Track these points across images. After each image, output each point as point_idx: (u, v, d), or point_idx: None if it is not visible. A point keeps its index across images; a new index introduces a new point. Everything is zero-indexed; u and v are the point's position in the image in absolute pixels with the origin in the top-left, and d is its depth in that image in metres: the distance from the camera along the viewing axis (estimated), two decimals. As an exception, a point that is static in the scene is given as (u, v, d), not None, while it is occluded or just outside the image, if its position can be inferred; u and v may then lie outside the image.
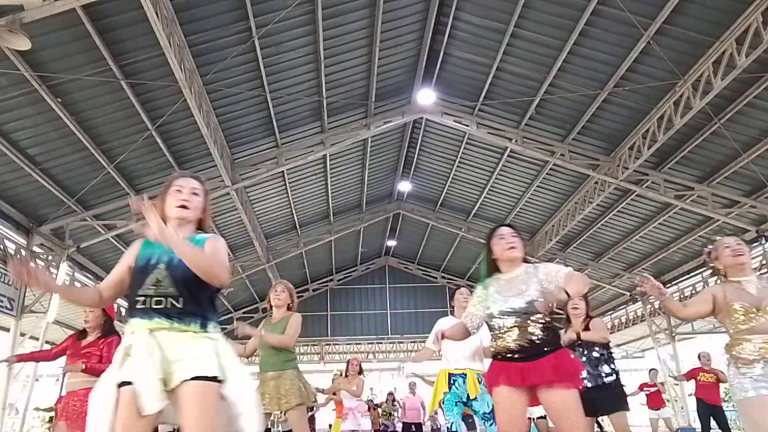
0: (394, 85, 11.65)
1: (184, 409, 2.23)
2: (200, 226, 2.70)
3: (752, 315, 3.17)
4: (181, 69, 7.85)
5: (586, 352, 4.75)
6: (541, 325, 3.04)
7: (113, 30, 7.54)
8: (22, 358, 5.82)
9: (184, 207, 2.61)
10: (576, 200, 13.61)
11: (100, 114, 8.94)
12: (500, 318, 3.13)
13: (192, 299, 2.38)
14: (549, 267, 3.16)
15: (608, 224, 14.58)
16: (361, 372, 8.22)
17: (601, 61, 9.47)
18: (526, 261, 3.28)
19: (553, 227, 15.18)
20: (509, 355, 3.05)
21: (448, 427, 4.82)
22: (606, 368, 4.66)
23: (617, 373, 4.70)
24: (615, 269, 16.99)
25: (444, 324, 5.02)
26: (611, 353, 4.84)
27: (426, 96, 11.53)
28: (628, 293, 17.81)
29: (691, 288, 15.65)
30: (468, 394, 4.77)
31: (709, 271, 14.45)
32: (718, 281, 3.39)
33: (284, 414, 4.53)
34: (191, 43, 8.32)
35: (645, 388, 11.50)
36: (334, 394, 8.67)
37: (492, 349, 3.18)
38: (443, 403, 4.88)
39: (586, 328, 4.75)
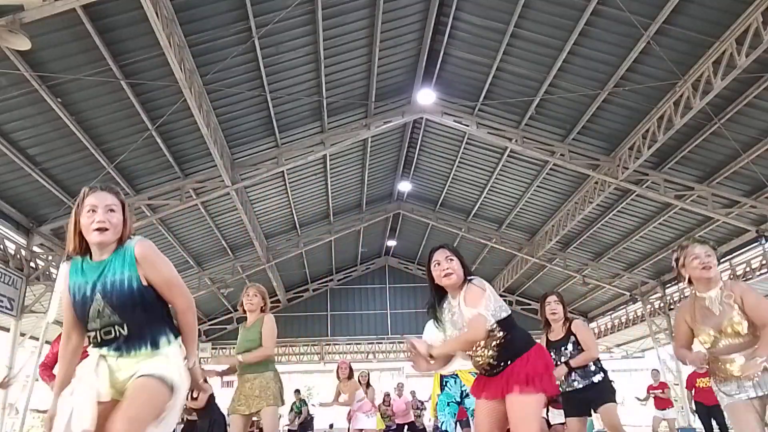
0: (394, 85, 11.65)
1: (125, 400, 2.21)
2: (120, 239, 2.44)
3: (715, 337, 3.21)
4: (181, 69, 7.85)
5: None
6: (495, 344, 2.98)
7: (113, 30, 7.54)
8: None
9: (100, 230, 2.32)
10: (576, 200, 13.61)
11: (100, 114, 8.94)
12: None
13: (136, 323, 2.29)
14: (466, 306, 3.02)
15: (608, 224, 14.58)
16: (351, 375, 8.19)
17: (601, 61, 9.47)
18: (469, 280, 3.10)
19: (553, 227, 15.18)
20: (481, 372, 3.13)
21: (438, 426, 4.86)
22: (592, 367, 4.67)
23: (604, 371, 4.73)
24: (615, 269, 16.99)
25: (429, 326, 5.06)
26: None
27: (426, 96, 11.53)
28: (628, 293, 17.81)
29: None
30: (462, 392, 4.80)
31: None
32: (684, 291, 3.42)
33: (257, 413, 4.55)
34: (191, 43, 8.32)
35: (651, 391, 11.53)
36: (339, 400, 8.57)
37: None
38: (437, 404, 4.93)
39: (568, 331, 4.74)
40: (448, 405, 4.81)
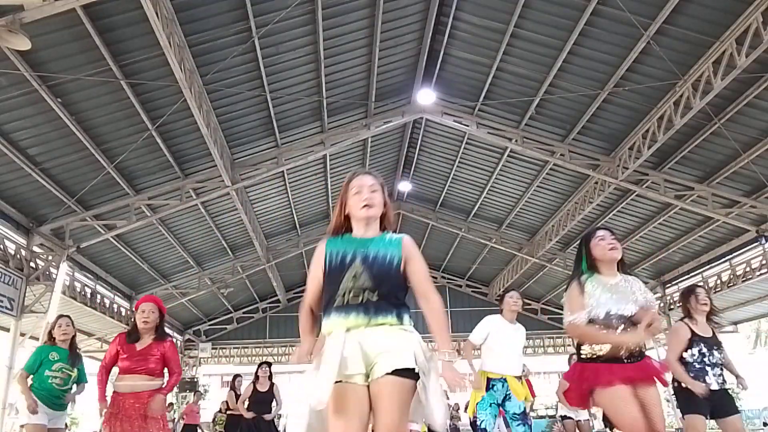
0: (394, 85, 11.65)
1: (381, 402, 2.32)
2: (383, 223, 2.69)
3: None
4: (181, 69, 7.85)
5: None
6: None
7: (113, 30, 7.54)
8: (101, 396, 4.65)
9: (368, 206, 2.60)
10: (576, 200, 13.61)
11: (100, 114, 8.94)
12: (612, 320, 3.22)
13: (386, 293, 2.44)
14: (642, 285, 3.35)
15: (608, 224, 14.57)
16: None
17: (601, 61, 9.47)
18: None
19: (553, 227, 15.18)
20: (620, 359, 3.20)
21: (477, 425, 4.92)
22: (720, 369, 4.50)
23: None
24: (615, 269, 16.95)
25: (493, 323, 5.12)
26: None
27: (426, 96, 11.53)
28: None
29: (691, 288, 15.64)
30: (505, 396, 4.88)
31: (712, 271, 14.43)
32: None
33: None
34: (191, 43, 8.32)
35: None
36: None
37: (587, 353, 3.26)
38: (479, 403, 5.02)
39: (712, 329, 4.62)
40: (491, 406, 4.88)
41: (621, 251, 3.34)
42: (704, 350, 4.43)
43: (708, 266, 14.60)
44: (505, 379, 5.00)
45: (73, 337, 5.55)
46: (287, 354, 22.18)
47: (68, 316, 5.69)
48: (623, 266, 3.41)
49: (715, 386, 4.37)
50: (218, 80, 9.15)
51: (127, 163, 10.12)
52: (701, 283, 4.81)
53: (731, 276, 13.81)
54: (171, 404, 15.48)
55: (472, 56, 10.55)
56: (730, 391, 4.56)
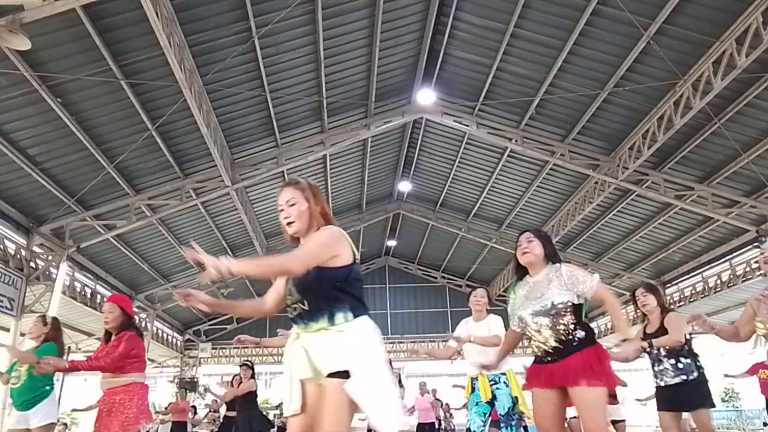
0: (394, 85, 11.65)
1: (322, 407, 2.37)
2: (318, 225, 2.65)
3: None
4: (181, 69, 7.85)
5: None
6: (562, 328, 3.12)
7: (113, 30, 7.54)
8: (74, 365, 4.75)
9: (289, 224, 2.60)
10: (576, 200, 13.61)
11: (100, 114, 8.94)
12: (530, 320, 3.23)
13: (313, 299, 2.45)
14: (574, 270, 3.23)
15: (608, 224, 14.58)
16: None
17: (601, 61, 9.47)
18: (554, 261, 3.32)
19: (553, 227, 15.17)
20: (541, 358, 3.20)
21: (468, 427, 4.90)
22: (685, 362, 4.54)
23: (700, 369, 4.58)
24: (615, 269, 16.99)
25: (462, 326, 5.12)
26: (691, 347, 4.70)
27: (426, 96, 11.53)
28: (628, 293, 17.76)
29: (691, 288, 15.67)
30: (494, 396, 4.84)
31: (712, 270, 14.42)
32: (684, 291, 3.49)
33: None
34: (191, 43, 8.32)
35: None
36: None
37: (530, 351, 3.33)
38: (469, 404, 5.03)
39: (662, 325, 4.66)
40: (476, 405, 4.85)
41: (535, 254, 3.30)
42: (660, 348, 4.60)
43: (708, 266, 14.60)
44: (477, 378, 4.94)
45: (47, 334, 5.28)
46: (287, 354, 22.20)
47: (43, 316, 5.61)
48: (553, 256, 3.33)
49: (673, 380, 4.53)
50: (218, 80, 9.15)
51: (127, 163, 10.12)
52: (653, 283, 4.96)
53: (731, 276, 13.81)
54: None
55: (472, 56, 10.55)
56: (705, 385, 4.59)
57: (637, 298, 4.87)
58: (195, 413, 16.08)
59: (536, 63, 10.00)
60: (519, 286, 3.37)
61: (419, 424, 11.87)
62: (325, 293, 2.43)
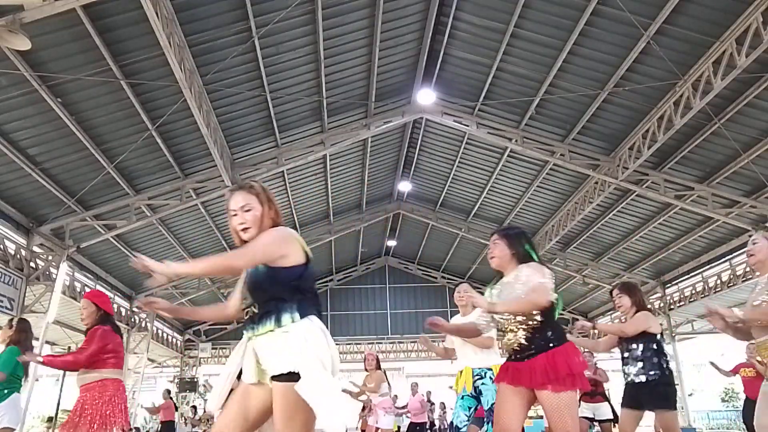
0: (394, 85, 11.65)
1: (273, 409, 2.40)
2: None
3: None
4: (181, 69, 7.85)
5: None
6: (526, 327, 3.11)
7: (113, 30, 7.54)
8: (49, 361, 4.74)
9: (244, 230, 2.58)
10: (576, 200, 13.61)
11: (100, 114, 8.94)
12: (501, 319, 3.25)
13: (263, 302, 2.48)
14: (531, 274, 3.16)
15: (608, 224, 14.58)
16: (378, 366, 8.07)
17: (601, 61, 9.47)
18: (526, 260, 3.26)
19: (553, 227, 15.18)
20: (510, 355, 3.20)
21: (451, 420, 4.87)
22: (653, 361, 4.54)
23: (663, 368, 4.55)
24: (615, 269, 16.99)
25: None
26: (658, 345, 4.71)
27: (426, 96, 11.53)
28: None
29: (691, 288, 15.67)
30: (479, 390, 4.77)
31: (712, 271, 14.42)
32: (684, 291, 3.48)
33: None
34: (191, 43, 8.32)
35: None
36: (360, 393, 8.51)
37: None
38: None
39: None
40: (462, 399, 4.82)
41: (499, 256, 3.28)
42: (625, 345, 4.67)
43: (708, 266, 14.60)
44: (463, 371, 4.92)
45: (11, 337, 5.12)
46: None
47: (11, 319, 5.51)
48: (522, 255, 3.28)
49: (635, 378, 4.55)
50: (218, 80, 9.15)
51: (127, 163, 10.12)
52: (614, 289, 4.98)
53: (731, 276, 13.82)
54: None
55: (472, 56, 10.55)
56: (668, 387, 4.58)
57: (613, 299, 4.88)
58: (195, 413, 16.10)
59: (536, 63, 10.00)
60: (494, 287, 3.36)
61: (411, 423, 11.85)
62: (274, 293, 2.44)
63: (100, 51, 7.61)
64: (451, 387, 5.86)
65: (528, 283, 3.10)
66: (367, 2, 9.25)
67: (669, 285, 16.42)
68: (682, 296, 16.08)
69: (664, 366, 4.54)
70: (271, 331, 2.39)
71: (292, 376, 2.28)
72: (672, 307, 16.38)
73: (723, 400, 24.50)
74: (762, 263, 3.58)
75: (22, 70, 7.35)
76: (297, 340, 2.33)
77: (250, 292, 2.53)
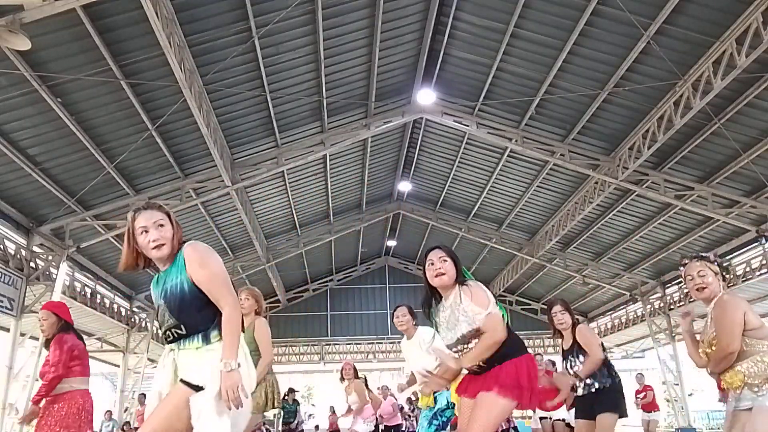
0: (394, 85, 11.65)
1: None
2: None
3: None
4: (181, 69, 7.85)
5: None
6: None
7: (113, 30, 7.54)
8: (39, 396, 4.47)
9: (158, 246, 2.52)
10: (576, 200, 13.61)
11: (100, 114, 8.94)
12: (453, 346, 3.15)
13: (191, 323, 2.49)
14: (468, 303, 3.01)
15: (608, 224, 14.58)
16: (356, 375, 8.03)
17: (601, 61, 9.47)
18: (461, 282, 3.09)
19: (553, 227, 15.18)
20: (469, 371, 3.16)
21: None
22: (603, 371, 4.66)
23: (614, 378, 4.71)
24: (615, 269, 16.99)
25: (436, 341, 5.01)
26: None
27: (426, 96, 11.52)
28: (628, 293, 17.81)
29: (691, 288, 15.63)
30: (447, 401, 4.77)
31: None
32: (684, 289, 3.45)
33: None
34: (191, 43, 8.32)
35: (638, 395, 11.71)
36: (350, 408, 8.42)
37: None
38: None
39: (574, 339, 4.77)
40: (428, 409, 4.80)
41: (450, 275, 3.04)
42: (570, 360, 4.75)
43: (708, 266, 14.56)
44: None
45: None
46: (287, 354, 22.22)
47: None
48: (459, 276, 3.09)
49: (579, 392, 4.66)
50: (218, 80, 9.15)
51: (127, 163, 10.12)
52: (558, 304, 5.00)
53: (731, 276, 13.81)
54: (109, 411, 14.95)
55: (472, 56, 10.55)
56: (616, 393, 4.69)
57: (554, 315, 4.88)
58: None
59: (536, 63, 10.00)
60: (438, 312, 3.16)
61: (385, 426, 11.77)
62: (205, 312, 2.47)
63: (100, 51, 7.61)
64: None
65: (473, 317, 2.97)
66: (367, 2, 9.25)
67: (669, 285, 16.42)
68: (682, 296, 16.08)
69: (614, 374, 4.72)
70: (198, 348, 2.45)
71: (197, 387, 2.38)
72: (672, 307, 16.37)
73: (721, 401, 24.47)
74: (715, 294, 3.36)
75: (22, 70, 7.35)
76: (217, 360, 2.38)
77: (175, 314, 2.48)
